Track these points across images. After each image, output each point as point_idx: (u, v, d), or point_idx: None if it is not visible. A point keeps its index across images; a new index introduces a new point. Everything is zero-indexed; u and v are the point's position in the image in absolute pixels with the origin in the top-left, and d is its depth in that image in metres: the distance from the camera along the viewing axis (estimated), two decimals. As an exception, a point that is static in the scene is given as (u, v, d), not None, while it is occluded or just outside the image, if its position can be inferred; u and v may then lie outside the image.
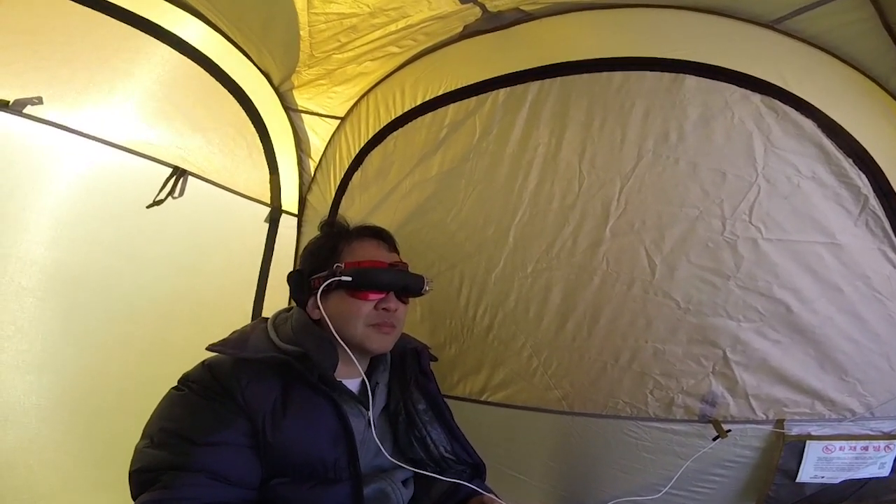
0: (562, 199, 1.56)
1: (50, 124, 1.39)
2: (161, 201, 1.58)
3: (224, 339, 1.21)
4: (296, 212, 1.94)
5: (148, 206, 1.57)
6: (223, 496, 1.02)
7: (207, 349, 1.16)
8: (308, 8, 1.42)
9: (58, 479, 1.48)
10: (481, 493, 1.20)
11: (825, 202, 1.40)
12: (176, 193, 1.61)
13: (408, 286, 1.26)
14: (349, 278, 1.17)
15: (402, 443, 1.26)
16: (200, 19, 1.52)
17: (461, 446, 1.32)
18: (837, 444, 1.48)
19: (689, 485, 1.54)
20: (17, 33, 1.29)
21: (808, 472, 1.49)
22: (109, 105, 1.48)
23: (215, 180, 1.71)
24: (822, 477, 1.50)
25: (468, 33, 1.64)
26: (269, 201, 1.86)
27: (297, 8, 1.42)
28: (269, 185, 1.85)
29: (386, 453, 1.17)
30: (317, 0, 1.40)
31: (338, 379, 1.19)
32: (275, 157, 1.82)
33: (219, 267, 1.76)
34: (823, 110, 1.37)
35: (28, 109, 1.35)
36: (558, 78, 1.54)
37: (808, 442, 1.48)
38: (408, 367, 1.33)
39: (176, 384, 1.14)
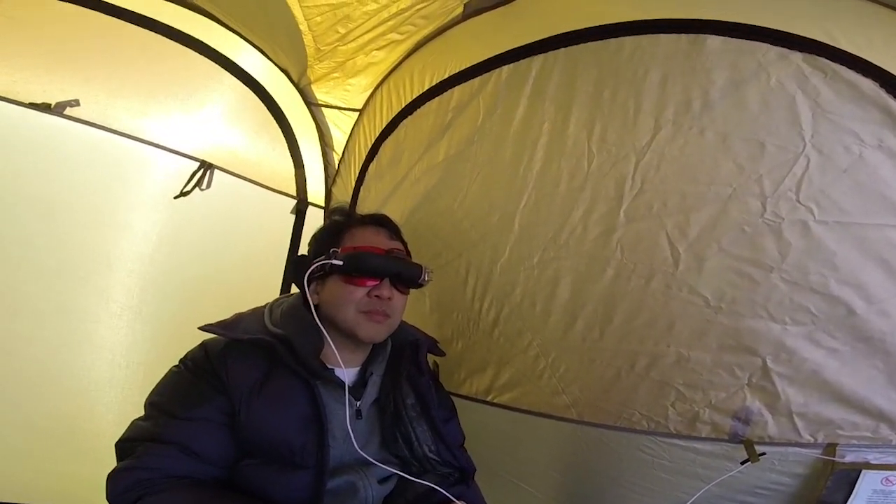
0: (570, 180, 1.38)
1: (86, 123, 1.56)
2: (188, 192, 1.70)
3: (220, 321, 1.23)
4: (323, 204, 1.97)
5: (175, 197, 1.69)
6: (191, 470, 1.04)
7: (200, 328, 1.18)
8: (299, 2, 1.45)
9: (90, 445, 1.64)
10: (454, 501, 1.11)
11: None
12: (203, 185, 1.73)
13: (401, 273, 1.22)
14: (340, 262, 1.16)
15: (388, 438, 1.21)
16: (214, 20, 1.61)
17: (446, 448, 1.24)
18: (900, 475, 1.17)
19: None
20: (53, 41, 1.48)
21: None
22: (140, 105, 1.63)
23: (241, 173, 1.81)
24: None
25: (470, 13, 1.55)
26: (294, 193, 1.91)
27: (289, 3, 1.44)
28: (294, 178, 1.90)
29: (357, 447, 1.12)
30: (304, -7, 1.42)
31: (330, 367, 1.17)
32: (299, 151, 1.88)
33: (246, 255, 1.86)
34: (885, 68, 1.08)
35: (67, 111, 1.52)
36: (563, 49, 1.38)
37: (864, 472, 1.19)
38: (403, 359, 1.28)
39: (178, 362, 1.18)
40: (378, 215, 1.33)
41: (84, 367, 1.65)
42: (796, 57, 1.15)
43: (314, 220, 1.95)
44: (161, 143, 1.68)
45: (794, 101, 1.15)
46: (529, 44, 1.43)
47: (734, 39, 1.20)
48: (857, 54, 1.11)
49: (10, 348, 1.54)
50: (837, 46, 1.12)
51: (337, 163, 1.95)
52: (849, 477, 1.21)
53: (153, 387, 1.15)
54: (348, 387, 1.17)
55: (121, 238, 1.66)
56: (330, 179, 1.97)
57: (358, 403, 1.19)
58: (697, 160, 1.24)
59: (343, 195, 1.91)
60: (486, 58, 1.51)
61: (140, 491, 0.99)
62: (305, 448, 1.09)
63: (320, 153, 1.94)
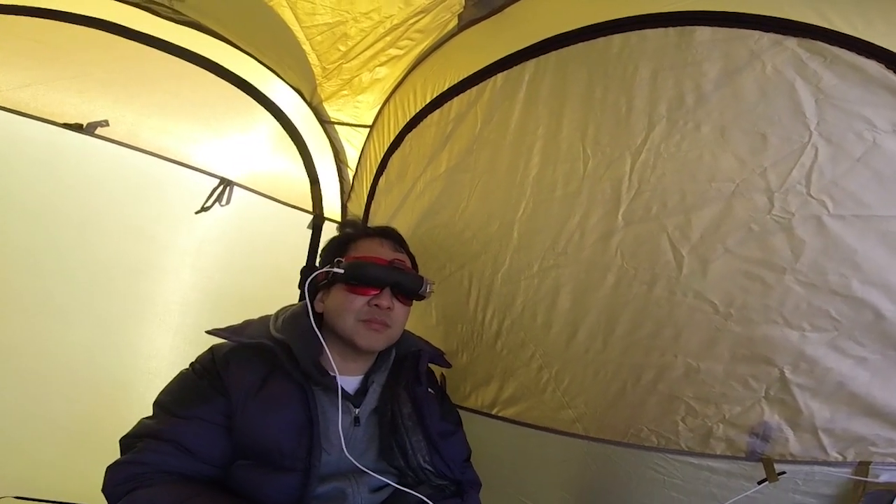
0: (565, 184, 1.34)
1: (115, 142, 1.68)
2: (209, 208, 1.79)
3: (229, 326, 1.27)
4: (339, 219, 2.01)
5: (196, 212, 1.78)
6: (184, 467, 1.08)
7: (207, 332, 1.23)
8: (299, 23, 1.51)
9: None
10: None
11: None
12: (223, 201, 1.81)
13: (401, 283, 1.23)
14: (341, 270, 1.19)
15: (385, 447, 1.20)
16: (230, 44, 1.70)
17: (441, 460, 1.21)
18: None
19: None
20: (83, 65, 1.62)
21: None
22: (163, 125, 1.74)
23: (259, 190, 1.88)
24: None
25: (465, 24, 1.56)
26: (311, 209, 1.96)
27: (289, 24, 1.51)
28: (310, 195, 1.95)
29: (346, 452, 1.12)
30: (302, 14, 1.49)
31: (332, 374, 1.18)
32: (314, 168, 1.93)
33: (264, 269, 1.92)
34: (891, 49, 0.99)
35: (98, 131, 1.65)
36: (553, 52, 1.36)
37: None
38: (404, 369, 1.29)
39: (188, 365, 1.24)
40: (384, 227, 1.36)
41: (108, 371, 1.75)
42: (791, 42, 1.08)
43: (330, 235, 1.98)
44: (183, 161, 1.78)
45: (793, 89, 1.08)
46: (521, 50, 1.42)
47: (723, 29, 1.15)
48: (856, 35, 1.03)
49: (42, 351, 1.66)
50: (834, 29, 1.04)
51: (351, 178, 1.99)
52: (885, 498, 1.08)
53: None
54: (349, 394, 1.19)
55: (146, 250, 1.76)
56: (345, 195, 2.00)
57: (357, 411, 1.19)
58: (695, 156, 1.18)
59: (357, 210, 1.94)
60: (480, 67, 1.50)
61: (133, 484, 1.03)
62: (296, 452, 1.10)
63: (335, 169, 1.99)
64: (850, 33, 1.03)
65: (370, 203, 1.86)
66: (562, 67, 1.35)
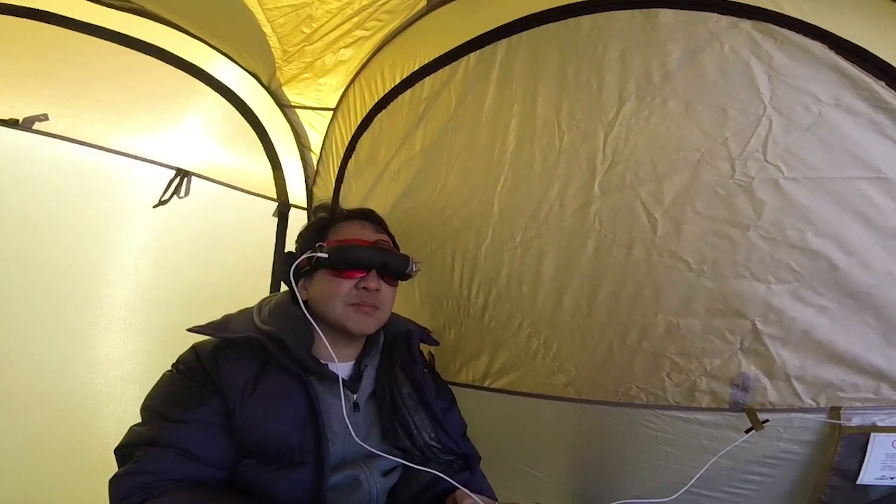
0: (543, 159, 1.39)
1: (56, 137, 1.55)
2: (166, 201, 1.70)
3: (209, 322, 1.24)
4: (305, 205, 1.96)
5: (154, 206, 1.69)
6: (190, 473, 1.04)
7: (189, 330, 1.19)
8: (260, 5, 1.45)
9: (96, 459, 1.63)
10: (457, 488, 1.11)
11: (860, 131, 1.13)
12: (181, 193, 1.72)
13: (388, 264, 1.22)
14: (325, 255, 1.17)
15: (388, 429, 1.21)
16: (181, 31, 1.61)
17: (447, 435, 1.24)
18: (912, 436, 1.15)
19: (722, 485, 1.29)
20: (18, 58, 1.47)
21: (874, 473, 1.18)
22: (110, 117, 1.62)
23: (219, 179, 1.80)
24: (893, 478, 1.18)
25: (434, 4, 1.56)
26: (275, 196, 1.91)
27: (249, 6, 1.44)
28: (273, 181, 1.89)
29: (356, 437, 1.12)
30: (263, -5, 1.42)
31: (324, 362, 1.17)
32: (276, 154, 1.87)
33: (231, 261, 1.85)
34: (833, 31, 1.10)
35: (36, 125, 1.51)
36: (525, 32, 1.39)
37: (872, 435, 1.18)
38: (396, 350, 1.29)
39: (170, 366, 1.18)
40: (363, 209, 1.34)
41: (79, 382, 1.64)
42: (746, 24, 1.17)
43: (297, 221, 1.94)
44: (135, 154, 1.68)
45: (748, 67, 1.18)
46: (493, 29, 1.44)
47: (684, 11, 1.22)
48: (803, 18, 1.13)
49: (3, 367, 1.53)
50: (782, 12, 1.14)
51: (315, 163, 1.95)
52: (859, 441, 1.19)
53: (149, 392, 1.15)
54: (344, 381, 1.17)
55: (103, 251, 1.65)
56: (310, 180, 1.96)
57: (354, 397, 1.19)
58: (664, 129, 1.26)
59: (324, 195, 1.91)
60: (453, 47, 1.51)
61: (142, 495, 0.99)
62: (303, 445, 1.09)
63: (298, 154, 1.94)
64: (798, 16, 1.13)
65: (339, 186, 1.83)
66: (534, 47, 1.39)
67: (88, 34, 1.51)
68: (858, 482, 1.19)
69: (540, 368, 1.47)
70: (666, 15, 1.23)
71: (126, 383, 1.67)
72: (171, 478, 1.01)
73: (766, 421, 1.22)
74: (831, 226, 1.15)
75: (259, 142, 1.84)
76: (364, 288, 1.18)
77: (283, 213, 1.91)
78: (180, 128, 1.74)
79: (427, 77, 1.57)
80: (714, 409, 1.28)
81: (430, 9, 1.58)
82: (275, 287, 1.88)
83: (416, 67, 1.59)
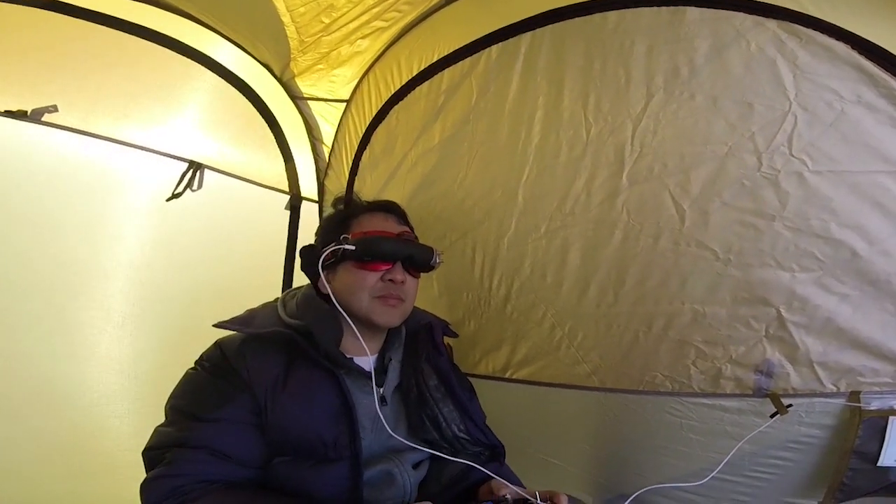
0: (569, 150, 1.40)
1: (66, 129, 1.49)
2: (179, 194, 1.65)
3: (234, 317, 1.21)
4: (316, 198, 1.94)
5: (167, 200, 1.64)
6: (223, 473, 1.02)
7: (214, 325, 1.16)
8: (282, -7, 1.42)
9: (107, 462, 1.59)
10: (492, 477, 1.10)
11: (880, 127, 1.17)
12: (194, 186, 1.68)
13: (413, 256, 1.21)
14: (352, 247, 1.15)
15: (415, 422, 1.20)
16: (190, 18, 1.56)
17: (475, 426, 1.24)
18: (929, 420, 1.19)
19: (745, 470, 1.33)
20: (25, 48, 1.42)
21: (893, 454, 1.23)
22: (121, 109, 1.57)
23: (231, 171, 1.77)
24: None
25: (453, -4, 1.56)
26: (287, 189, 1.88)
27: (271, -5, 1.42)
28: (285, 174, 1.87)
29: (391, 431, 1.10)
30: (287, -16, 1.40)
31: (349, 356, 1.16)
32: (288, 146, 1.84)
33: (244, 254, 1.82)
34: (855, 32, 1.14)
35: (45, 117, 1.45)
36: (549, 26, 1.40)
37: (891, 418, 1.22)
38: (420, 342, 1.28)
39: (193, 364, 1.15)
40: (386, 201, 1.33)
41: (92, 380, 1.59)
42: (771, 24, 1.21)
43: (309, 215, 1.92)
44: (146, 146, 1.63)
45: (774, 64, 1.21)
46: (516, 23, 1.45)
47: (710, 10, 1.25)
48: (824, 19, 1.17)
49: (13, 367, 1.47)
50: (806, 13, 1.18)
51: (328, 155, 1.92)
52: (879, 425, 1.23)
53: (170, 392, 1.12)
54: (368, 374, 1.15)
55: (114, 246, 1.61)
56: (322, 173, 1.93)
57: (381, 390, 1.18)
58: (691, 123, 1.29)
59: (336, 187, 1.88)
60: (473, 39, 1.51)
61: (176, 499, 0.97)
62: (338, 440, 1.08)
63: (309, 147, 1.91)
64: (819, 16, 1.17)
65: (353, 179, 1.81)
66: (558, 41, 1.40)
67: (97, 23, 1.46)
68: (879, 464, 1.24)
69: (563, 358, 1.49)
70: (692, 13, 1.26)
71: (139, 381, 1.63)
72: (205, 479, 0.99)
73: (790, 406, 1.25)
74: (853, 216, 1.19)
75: (271, 133, 1.80)
76: (390, 280, 1.17)
77: (295, 207, 1.88)
78: (191, 119, 1.69)
79: (446, 69, 1.57)
80: (738, 395, 1.32)
81: (448, 1, 1.58)
82: (287, 281, 1.85)
83: (435, 59, 1.59)
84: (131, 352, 1.63)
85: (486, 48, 1.50)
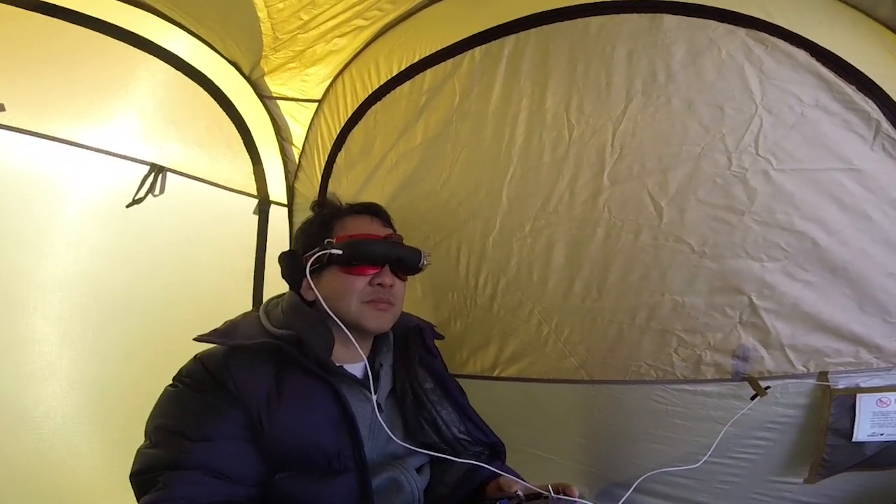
0: (552, 151, 1.46)
1: (15, 130, 1.36)
2: (141, 199, 1.54)
3: (214, 329, 1.16)
4: (285, 201, 1.87)
5: (127, 206, 1.52)
6: (223, 494, 0.97)
7: (195, 339, 1.10)
8: (261, -11, 1.36)
9: (78, 485, 1.45)
10: (500, 475, 1.11)
11: (835, 129, 1.29)
12: (156, 191, 1.57)
13: (402, 258, 1.20)
14: (340, 251, 1.12)
15: (413, 426, 1.19)
16: (156, 15, 1.47)
17: (475, 426, 1.24)
18: (893, 395, 1.32)
19: (730, 451, 1.41)
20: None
21: (865, 430, 1.33)
22: (73, 107, 1.45)
23: (196, 175, 1.66)
24: (882, 434, 1.34)
25: (435, -4, 1.57)
26: (255, 192, 1.80)
27: (247, -11, 1.36)
28: (253, 176, 1.78)
29: (395, 437, 1.09)
30: (269, -22, 1.34)
31: (338, 364, 1.12)
32: (256, 148, 1.76)
33: (212, 262, 1.72)
34: (814, 41, 1.27)
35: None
36: (534, 29, 1.45)
37: (858, 395, 1.33)
38: (411, 346, 1.26)
39: (171, 381, 1.09)
40: (369, 204, 1.31)
41: (52, 401, 1.44)
42: (741, 32, 1.31)
43: (278, 219, 1.85)
44: (104, 148, 1.50)
45: (742, 70, 1.32)
46: (500, 25, 1.49)
47: (686, 17, 1.34)
48: (789, 29, 1.28)
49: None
50: (772, 22, 1.29)
51: (297, 157, 1.86)
52: (848, 402, 1.33)
53: (141, 408, 1.05)
54: (362, 381, 1.15)
55: (71, 256, 1.46)
56: (291, 175, 1.86)
57: (375, 397, 1.15)
58: (668, 125, 1.37)
59: (308, 190, 1.83)
60: (456, 40, 1.54)
61: None
62: (341, 451, 1.05)
63: (278, 148, 1.84)
64: (785, 25, 1.28)
65: (327, 181, 1.76)
66: (543, 44, 1.45)
67: (49, 15, 1.33)
68: (854, 440, 1.34)
69: (551, 353, 1.53)
70: (670, 20, 1.35)
71: (106, 403, 1.50)
72: (206, 501, 0.94)
73: (768, 387, 1.35)
74: (813, 210, 1.31)
75: (238, 134, 1.72)
76: (379, 284, 1.16)
77: (263, 211, 1.80)
78: (152, 119, 1.57)
79: (428, 69, 1.58)
80: (718, 380, 1.40)
81: (430, 1, 1.59)
82: (258, 287, 1.78)
83: (416, 59, 1.59)
84: (94, 370, 1.49)
85: (469, 50, 1.53)
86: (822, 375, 1.34)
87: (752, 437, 1.41)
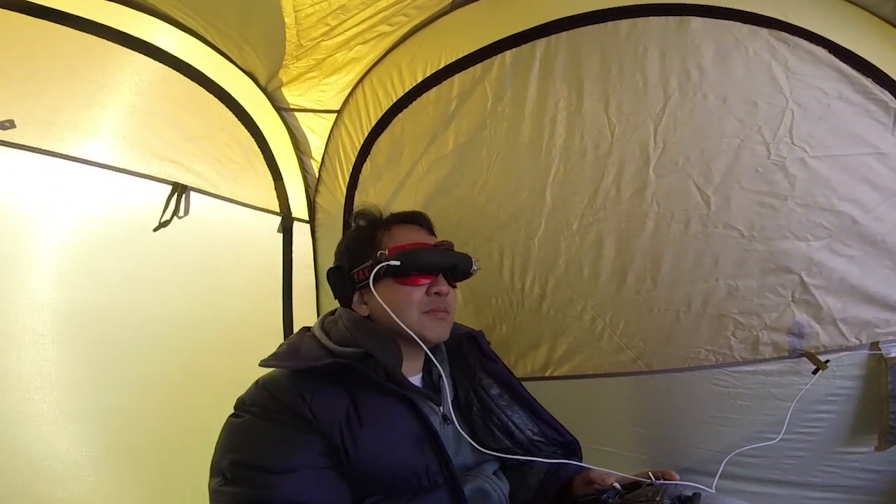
0: (595, 149, 1.48)
1: (25, 149, 1.24)
2: (167, 222, 1.44)
3: (274, 353, 1.11)
4: (306, 217, 1.78)
5: (155, 230, 1.42)
6: None
7: (261, 365, 1.05)
8: (293, -7, 1.31)
9: None
10: (588, 469, 1.08)
11: (858, 118, 1.36)
12: (181, 213, 1.47)
13: (457, 266, 1.17)
14: (398, 262, 1.09)
15: (482, 434, 1.16)
16: (172, 24, 1.39)
17: (548, 426, 1.22)
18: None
19: (794, 427, 1.44)
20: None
21: None
22: (88, 122, 1.34)
23: (218, 193, 1.57)
24: None
25: (459, 2, 1.56)
26: (278, 209, 1.71)
27: (278, -5, 1.30)
28: (275, 192, 1.70)
29: (475, 444, 1.06)
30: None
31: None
32: (276, 163, 1.68)
33: (239, 284, 1.63)
34: (831, 38, 1.34)
35: (2, 135, 1.20)
36: (564, 33, 1.47)
37: None
38: (467, 353, 1.23)
39: (234, 411, 1.02)
40: (413, 213, 1.27)
41: (78, 441, 1.32)
42: (763, 32, 1.38)
43: (302, 235, 1.76)
44: (121, 166, 1.40)
45: (770, 67, 1.38)
46: (530, 29, 1.50)
47: (711, 19, 1.40)
48: (805, 27, 1.35)
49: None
50: (789, 22, 1.36)
51: (317, 170, 1.78)
52: None
53: (217, 444, 0.99)
54: (431, 395, 1.13)
55: (95, 286, 1.35)
56: (312, 189, 1.78)
57: (440, 408, 1.13)
58: (706, 120, 1.42)
59: (330, 204, 1.75)
60: (484, 45, 1.53)
61: None
62: (429, 467, 1.01)
63: (297, 162, 1.76)
64: (804, 26, 1.35)
65: (352, 193, 1.70)
66: (574, 46, 1.48)
67: (60, 23, 1.24)
68: (915, 404, 1.40)
69: (606, 348, 1.53)
70: (696, 22, 1.40)
71: (142, 438, 1.38)
72: None
73: (828, 361, 1.39)
74: (849, 190, 1.37)
75: (257, 149, 1.64)
76: (436, 293, 1.13)
77: (287, 228, 1.71)
78: (172, 136, 1.48)
79: (456, 75, 1.56)
80: (776, 358, 1.44)
81: (453, 7, 1.57)
82: (287, 307, 1.69)
83: (441, 65, 1.58)
84: (128, 406, 1.37)
85: (497, 54, 1.53)
86: (875, 346, 1.39)
87: (814, 412, 1.44)
